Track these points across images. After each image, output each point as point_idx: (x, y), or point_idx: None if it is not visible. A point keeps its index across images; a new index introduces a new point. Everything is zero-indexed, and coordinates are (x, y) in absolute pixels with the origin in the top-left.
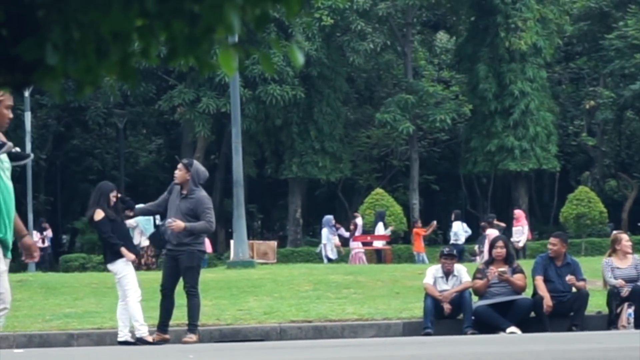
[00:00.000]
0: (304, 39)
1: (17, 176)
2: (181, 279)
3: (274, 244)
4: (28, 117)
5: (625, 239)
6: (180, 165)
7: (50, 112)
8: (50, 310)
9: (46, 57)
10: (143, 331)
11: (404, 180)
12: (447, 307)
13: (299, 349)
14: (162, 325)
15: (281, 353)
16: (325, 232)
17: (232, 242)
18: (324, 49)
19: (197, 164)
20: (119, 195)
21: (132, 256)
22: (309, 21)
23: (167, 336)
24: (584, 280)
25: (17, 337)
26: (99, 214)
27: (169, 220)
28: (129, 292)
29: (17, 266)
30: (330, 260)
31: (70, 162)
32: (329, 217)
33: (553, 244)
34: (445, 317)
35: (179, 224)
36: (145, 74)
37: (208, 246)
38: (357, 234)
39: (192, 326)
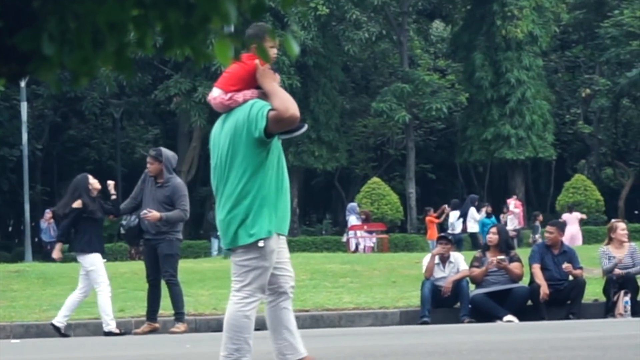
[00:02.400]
0: (299, 28)
1: (13, 167)
2: None
3: None
4: (24, 107)
5: (620, 227)
6: (150, 159)
7: (47, 103)
8: (47, 300)
9: (42, 47)
10: (112, 325)
11: (401, 169)
12: (446, 287)
13: None
14: (152, 314)
15: None
16: (353, 220)
17: None
18: (320, 38)
19: (166, 151)
20: (113, 196)
21: (59, 255)
22: (305, 10)
23: (157, 325)
24: (580, 268)
25: (14, 327)
26: (76, 204)
27: (144, 211)
28: (101, 285)
29: (13, 257)
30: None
31: (66, 153)
32: (354, 205)
33: (550, 232)
34: (442, 305)
35: (155, 214)
36: (141, 64)
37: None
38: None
39: (179, 314)
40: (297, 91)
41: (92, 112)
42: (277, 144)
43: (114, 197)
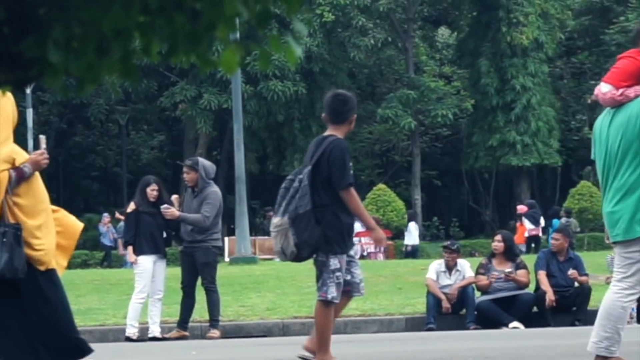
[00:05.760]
0: (305, 34)
1: None
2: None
3: None
4: (30, 113)
5: None
6: (186, 168)
7: (52, 109)
8: None
9: (48, 54)
10: (130, 331)
11: (406, 175)
12: (445, 306)
13: (302, 344)
14: (183, 322)
15: (284, 349)
16: (357, 227)
17: (226, 239)
18: (326, 45)
19: (202, 160)
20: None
21: (133, 257)
22: (310, 17)
23: (186, 333)
24: (586, 275)
25: None
26: (129, 207)
27: (165, 205)
28: (135, 289)
29: None
30: (363, 257)
31: (72, 159)
32: None
33: (556, 238)
34: (448, 312)
35: (173, 211)
36: (147, 70)
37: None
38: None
39: (214, 322)
40: (303, 97)
41: (98, 119)
42: None
43: (167, 210)
